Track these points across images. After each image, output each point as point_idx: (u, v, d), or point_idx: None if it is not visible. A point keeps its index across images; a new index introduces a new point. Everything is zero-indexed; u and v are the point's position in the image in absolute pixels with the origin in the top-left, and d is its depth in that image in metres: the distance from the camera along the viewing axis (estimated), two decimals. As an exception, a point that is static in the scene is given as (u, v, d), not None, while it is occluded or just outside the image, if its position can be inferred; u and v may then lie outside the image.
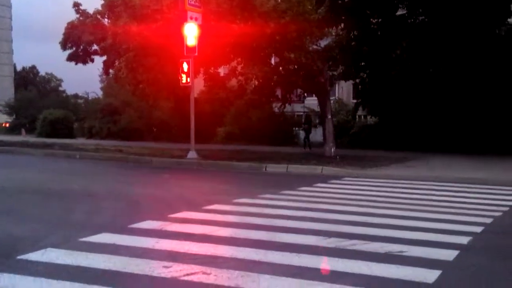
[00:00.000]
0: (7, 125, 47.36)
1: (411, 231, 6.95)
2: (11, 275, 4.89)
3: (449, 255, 5.80)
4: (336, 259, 5.56)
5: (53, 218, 7.98)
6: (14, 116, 49.31)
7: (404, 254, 5.83)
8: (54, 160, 19.86)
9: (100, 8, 27.26)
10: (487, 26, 21.80)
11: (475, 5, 21.13)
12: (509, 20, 23.08)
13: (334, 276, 4.96)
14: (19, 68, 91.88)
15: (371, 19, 24.91)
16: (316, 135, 28.59)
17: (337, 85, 36.63)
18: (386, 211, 8.61)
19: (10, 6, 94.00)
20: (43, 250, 5.76)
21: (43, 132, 37.52)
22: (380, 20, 24.86)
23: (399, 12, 24.69)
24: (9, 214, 8.35)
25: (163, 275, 4.98)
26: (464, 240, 6.55)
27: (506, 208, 9.18)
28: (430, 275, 5.02)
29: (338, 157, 18.61)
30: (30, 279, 4.80)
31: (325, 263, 5.40)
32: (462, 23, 21.48)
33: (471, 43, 21.63)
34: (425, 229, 7.14)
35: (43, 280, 4.76)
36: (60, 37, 29.65)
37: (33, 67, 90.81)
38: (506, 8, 22.18)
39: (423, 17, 24.18)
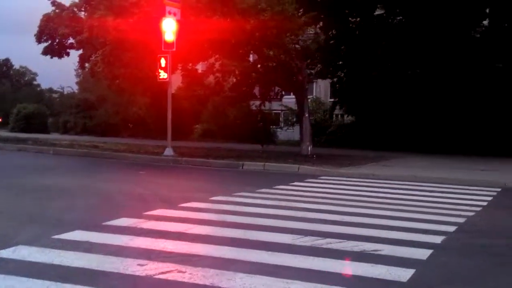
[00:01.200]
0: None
1: (386, 230, 7.01)
2: (-20, 272, 4.78)
3: (423, 254, 5.87)
4: (311, 257, 5.57)
5: (25, 214, 7.82)
6: (-14, 110, 48.33)
7: (378, 253, 5.87)
8: (27, 155, 19.52)
9: (76, 1, 26.87)
10: (463, 28, 22.16)
11: (451, 7, 21.43)
12: (484, 22, 23.48)
13: (309, 274, 4.97)
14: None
15: (350, 18, 25.09)
16: (294, 133, 28.69)
17: (314, 84, 36.78)
18: (362, 210, 8.67)
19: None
20: (14, 248, 5.64)
21: (16, 127, 36.85)
22: (358, 19, 25.07)
23: (378, 12, 24.92)
24: (-21, 210, 8.19)
25: (137, 273, 4.93)
26: (438, 239, 6.64)
27: (479, 208, 9.35)
28: (404, 274, 5.07)
29: (315, 156, 18.69)
30: (0, 277, 4.70)
31: (300, 262, 5.41)
32: (438, 24, 21.78)
33: (447, 45, 21.93)
34: (400, 228, 7.22)
35: (14, 277, 4.66)
36: (35, 29, 29.15)
37: (7, 60, 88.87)
38: (481, 11, 22.57)
39: (401, 17, 24.45)
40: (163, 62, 17.84)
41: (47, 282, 4.56)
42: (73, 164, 16.89)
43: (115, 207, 8.43)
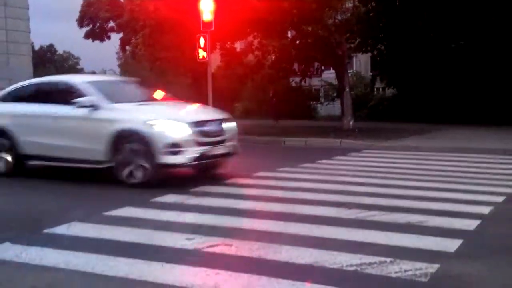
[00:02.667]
0: None
1: (431, 202, 6.94)
2: (38, 248, 5.02)
3: (470, 224, 5.80)
4: (356, 229, 5.60)
5: (76, 193, 8.13)
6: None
7: (424, 224, 5.84)
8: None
9: (115, -15, 27.23)
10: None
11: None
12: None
13: (354, 246, 5.00)
14: (37, 47, 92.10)
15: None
16: (334, 108, 28.45)
17: (354, 58, 36.20)
18: (406, 182, 8.60)
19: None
20: (67, 224, 5.89)
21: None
22: (398, -10, 24.43)
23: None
24: (34, 189, 8.56)
25: (186, 247, 5.07)
26: (485, 210, 6.53)
27: (528, 178, 9.11)
28: (451, 244, 5.03)
29: (356, 129, 18.51)
30: (57, 252, 4.93)
31: (346, 234, 5.44)
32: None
33: (491, 14, 21.16)
34: (446, 199, 7.13)
35: (70, 252, 4.87)
36: (76, 14, 29.76)
37: (51, 46, 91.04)
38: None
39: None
40: (202, 41, 17.87)
41: (101, 256, 4.75)
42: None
43: (162, 184, 8.60)
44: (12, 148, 9.41)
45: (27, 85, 10.28)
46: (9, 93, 10.16)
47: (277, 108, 27.05)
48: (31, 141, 9.23)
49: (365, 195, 7.43)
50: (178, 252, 4.94)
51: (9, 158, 9.48)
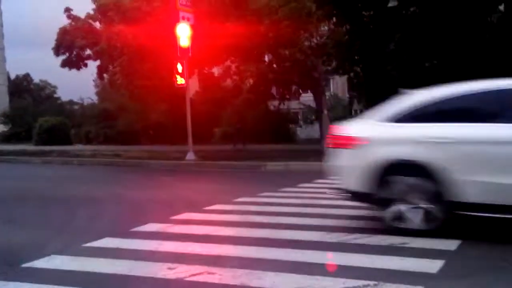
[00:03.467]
0: None
1: (412, 223, 6.97)
2: (17, 283, 4.91)
3: (451, 244, 5.84)
4: (339, 253, 5.60)
5: (55, 224, 7.99)
6: (10, 125, 49.11)
7: (406, 245, 5.86)
8: (53, 167, 19.85)
9: (91, 13, 27.25)
10: (478, 14, 21.83)
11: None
12: (499, 7, 23.14)
13: (338, 270, 5.00)
14: (12, 76, 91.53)
15: (363, 12, 24.94)
16: (314, 130, 28.66)
17: (331, 80, 36.69)
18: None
19: (0, 13, 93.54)
20: (47, 257, 5.77)
21: (40, 140, 37.34)
22: (372, 12, 24.90)
23: (391, 4, 24.73)
24: (11, 222, 8.34)
25: (168, 276, 5.01)
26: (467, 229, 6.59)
27: None
28: (434, 265, 5.06)
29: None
30: (36, 286, 4.82)
31: (329, 258, 5.43)
32: (453, 12, 21.52)
33: (463, 32, 21.67)
34: (426, 219, 7.17)
35: (50, 287, 4.78)
36: (53, 43, 29.64)
37: (27, 75, 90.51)
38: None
39: (415, 7, 24.22)
40: (179, 67, 18.00)
41: (81, 289, 4.66)
42: (97, 173, 17.11)
43: (141, 213, 8.54)
44: (438, 193, 6.19)
45: (451, 97, 6.71)
46: (416, 109, 6.67)
47: (242, 133, 27.21)
48: (476, 182, 6.01)
49: (347, 218, 7.46)
50: (160, 282, 4.88)
51: (433, 208, 6.24)
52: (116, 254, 5.86)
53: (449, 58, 22.76)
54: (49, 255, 5.85)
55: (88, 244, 6.35)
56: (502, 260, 5.32)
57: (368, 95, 26.70)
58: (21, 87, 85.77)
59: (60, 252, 6.00)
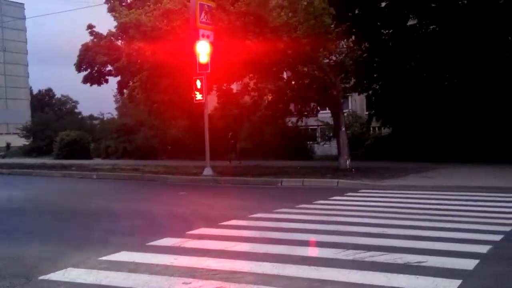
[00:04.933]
0: None
1: (430, 241, 6.91)
2: (34, 295, 4.97)
3: (469, 264, 5.77)
4: (355, 271, 5.56)
5: (72, 237, 8.07)
6: (31, 139, 49.86)
7: (423, 264, 5.80)
8: (72, 181, 20.07)
9: (113, 30, 27.66)
10: (499, 33, 21.72)
11: (485, 12, 21.08)
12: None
13: (352, 287, 4.96)
14: (35, 91, 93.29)
15: (382, 30, 24.97)
16: (331, 148, 28.56)
17: (350, 98, 36.65)
18: (404, 221, 8.57)
19: (25, 30, 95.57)
20: (63, 270, 5.83)
21: (60, 154, 37.86)
22: (391, 31, 24.92)
23: (410, 22, 24.73)
24: (29, 234, 8.47)
25: (183, 291, 5.02)
26: (484, 249, 6.50)
27: (526, 216, 9.08)
28: (450, 285, 5.00)
29: (353, 169, 18.55)
30: (52, 298, 4.87)
31: (344, 275, 5.39)
32: (473, 31, 21.44)
33: (483, 52, 21.54)
34: (444, 238, 7.10)
35: (65, 299, 4.82)
36: (74, 59, 30.09)
37: (49, 90, 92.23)
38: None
39: (434, 26, 24.18)
40: (198, 84, 18.18)
41: (97, 302, 4.69)
42: (115, 188, 17.24)
43: (158, 228, 8.59)
44: None
45: None
46: None
47: (235, 148, 27.30)
48: None
49: (363, 235, 7.40)
50: (175, 297, 4.89)
51: None
52: (132, 268, 5.89)
53: (469, 77, 22.62)
54: (66, 268, 5.91)
55: (105, 258, 6.40)
56: (520, 281, 5.23)
57: (386, 113, 26.62)
58: (43, 102, 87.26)
59: (77, 265, 6.06)
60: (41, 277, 5.59)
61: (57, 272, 5.75)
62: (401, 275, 5.36)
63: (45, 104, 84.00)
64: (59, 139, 39.30)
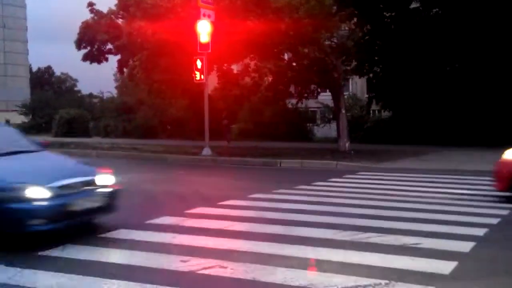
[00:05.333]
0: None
1: (426, 224, 6.96)
2: (32, 270, 5.01)
3: (466, 246, 5.81)
4: (352, 251, 5.60)
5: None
6: (30, 117, 49.78)
7: (419, 246, 5.84)
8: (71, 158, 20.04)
9: (114, 8, 27.48)
10: (503, 17, 21.54)
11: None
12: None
13: (349, 268, 5.00)
14: (34, 68, 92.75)
15: (384, 13, 24.78)
16: (331, 130, 28.55)
17: (350, 80, 36.47)
18: (401, 204, 8.62)
19: (24, 7, 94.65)
20: (62, 246, 5.86)
21: (59, 132, 37.83)
22: (393, 14, 24.72)
23: (413, 5, 24.52)
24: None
25: (180, 269, 5.06)
26: (481, 232, 6.54)
27: (523, 200, 9.11)
28: (446, 267, 5.04)
29: (352, 151, 18.57)
30: (50, 274, 4.92)
31: (341, 256, 5.43)
32: (476, 14, 21.27)
33: (486, 36, 21.40)
34: (441, 221, 7.15)
35: (64, 275, 4.87)
36: (74, 36, 29.96)
37: (49, 68, 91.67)
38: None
39: (437, 9, 23.98)
40: (199, 63, 18.08)
41: (95, 279, 4.74)
42: (114, 166, 17.19)
43: (157, 206, 8.62)
44: None
45: None
46: None
47: (228, 129, 27.26)
48: None
49: (360, 217, 7.44)
50: (173, 274, 4.93)
51: None
52: (130, 246, 5.94)
53: (470, 62, 22.51)
54: (64, 244, 5.95)
55: (103, 235, 6.44)
56: (516, 264, 5.28)
57: (386, 96, 26.55)
58: (43, 79, 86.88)
59: (76, 241, 6.09)
60: (40, 253, 5.62)
61: (55, 248, 5.78)
62: (397, 257, 5.40)
63: (44, 81, 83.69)
64: (58, 116, 39.26)
